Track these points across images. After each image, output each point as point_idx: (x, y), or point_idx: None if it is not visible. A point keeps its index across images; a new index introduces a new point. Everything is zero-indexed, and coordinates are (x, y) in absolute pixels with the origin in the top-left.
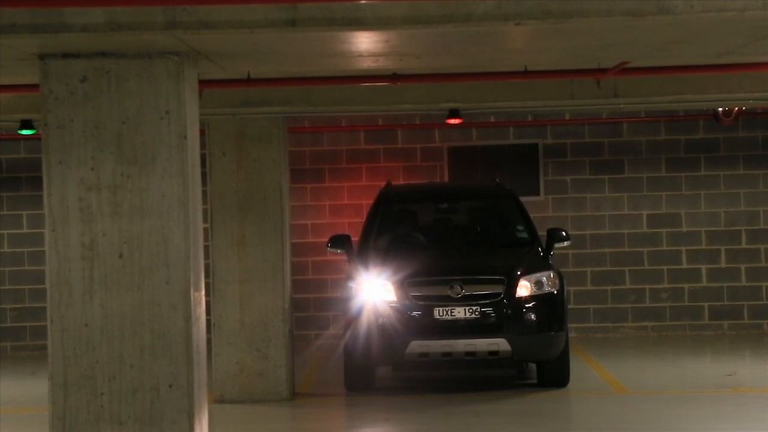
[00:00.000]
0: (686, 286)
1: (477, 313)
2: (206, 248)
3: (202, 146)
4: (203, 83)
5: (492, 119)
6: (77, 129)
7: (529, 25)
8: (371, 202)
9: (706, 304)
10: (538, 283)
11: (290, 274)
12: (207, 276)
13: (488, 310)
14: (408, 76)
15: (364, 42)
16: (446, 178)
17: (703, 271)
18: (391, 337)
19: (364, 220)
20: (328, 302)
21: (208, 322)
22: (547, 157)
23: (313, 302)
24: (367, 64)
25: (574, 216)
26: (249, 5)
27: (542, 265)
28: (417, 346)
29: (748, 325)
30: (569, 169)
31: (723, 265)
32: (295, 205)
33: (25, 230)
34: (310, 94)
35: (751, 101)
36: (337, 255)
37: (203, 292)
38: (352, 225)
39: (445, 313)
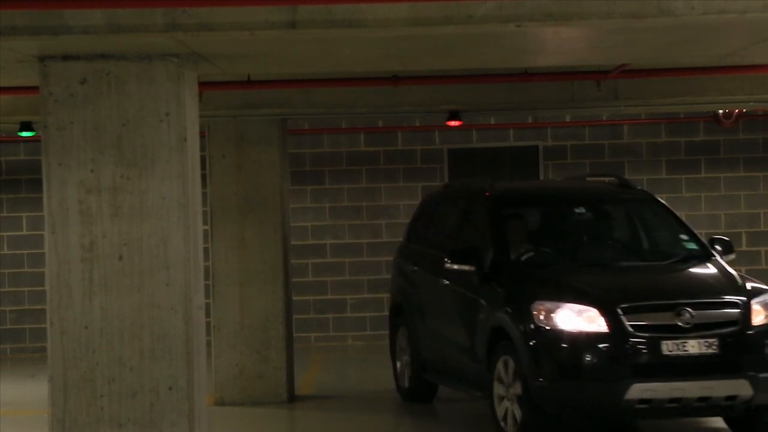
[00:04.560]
0: None
1: (714, 347)
2: (206, 250)
3: (202, 148)
4: (203, 85)
5: (492, 121)
6: (77, 131)
7: (529, 27)
8: (371, 204)
9: None
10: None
11: (290, 276)
12: (207, 278)
13: (725, 342)
14: (408, 78)
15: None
16: (446, 181)
17: None
18: (605, 378)
19: (408, 224)
20: (328, 304)
21: (208, 324)
22: (547, 159)
23: (313, 304)
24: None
25: None
26: (249, 7)
27: (758, 284)
28: (640, 390)
29: None
30: (570, 171)
31: None
32: (295, 207)
33: (24, 232)
34: (310, 96)
35: (751, 103)
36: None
37: (203, 294)
38: (353, 227)
39: (675, 347)
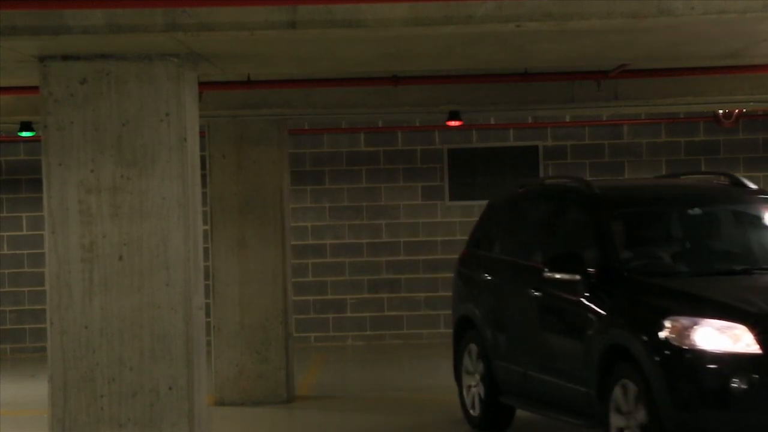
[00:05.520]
0: None
1: None
2: (206, 250)
3: (202, 148)
4: (203, 85)
5: (492, 121)
6: (77, 131)
7: (529, 27)
8: (371, 204)
9: None
10: None
11: (290, 276)
12: (207, 278)
13: None
14: (408, 78)
15: None
16: (446, 181)
17: None
18: (758, 408)
19: (477, 225)
20: (328, 304)
21: (208, 324)
22: (547, 159)
23: (313, 304)
24: None
25: None
26: (249, 7)
27: None
28: None
29: None
30: (570, 171)
31: None
32: (294, 207)
33: (24, 232)
34: (309, 96)
35: (751, 103)
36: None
37: (203, 294)
38: (353, 227)
39: None
